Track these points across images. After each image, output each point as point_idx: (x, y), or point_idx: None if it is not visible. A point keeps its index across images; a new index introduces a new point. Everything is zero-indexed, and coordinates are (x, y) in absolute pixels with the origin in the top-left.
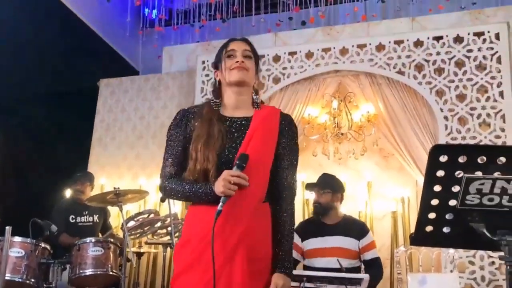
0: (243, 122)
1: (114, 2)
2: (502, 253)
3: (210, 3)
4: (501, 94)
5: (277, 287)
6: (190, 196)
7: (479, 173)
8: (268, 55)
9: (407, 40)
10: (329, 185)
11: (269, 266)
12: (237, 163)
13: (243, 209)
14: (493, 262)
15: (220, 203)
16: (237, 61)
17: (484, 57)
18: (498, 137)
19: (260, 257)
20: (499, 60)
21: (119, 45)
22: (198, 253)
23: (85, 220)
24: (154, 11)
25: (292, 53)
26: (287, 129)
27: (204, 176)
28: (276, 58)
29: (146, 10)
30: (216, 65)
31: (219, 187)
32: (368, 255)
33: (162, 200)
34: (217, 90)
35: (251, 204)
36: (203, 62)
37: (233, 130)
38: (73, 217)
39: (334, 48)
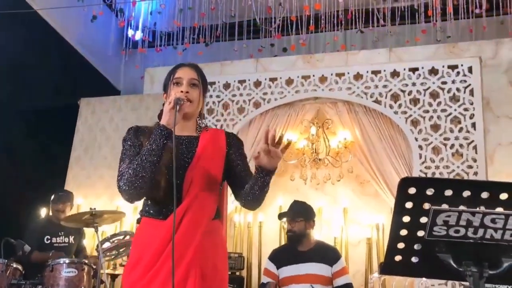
0: (192, 140)
1: (97, 22)
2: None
3: (193, 27)
4: (473, 125)
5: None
6: (144, 161)
7: (445, 206)
8: (249, 80)
9: (384, 71)
10: (301, 214)
11: (221, 284)
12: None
13: (194, 227)
14: None
15: (177, 107)
16: (182, 91)
17: (457, 89)
18: (470, 167)
19: (212, 275)
20: (471, 93)
21: (101, 65)
22: (154, 270)
23: (61, 241)
24: (138, 33)
25: (272, 79)
26: (234, 143)
27: (156, 186)
28: (257, 83)
29: (130, 31)
30: (165, 88)
31: (165, 116)
32: (340, 281)
33: (139, 221)
34: None
35: (202, 222)
36: None
37: (183, 147)
38: (49, 237)
39: (313, 75)
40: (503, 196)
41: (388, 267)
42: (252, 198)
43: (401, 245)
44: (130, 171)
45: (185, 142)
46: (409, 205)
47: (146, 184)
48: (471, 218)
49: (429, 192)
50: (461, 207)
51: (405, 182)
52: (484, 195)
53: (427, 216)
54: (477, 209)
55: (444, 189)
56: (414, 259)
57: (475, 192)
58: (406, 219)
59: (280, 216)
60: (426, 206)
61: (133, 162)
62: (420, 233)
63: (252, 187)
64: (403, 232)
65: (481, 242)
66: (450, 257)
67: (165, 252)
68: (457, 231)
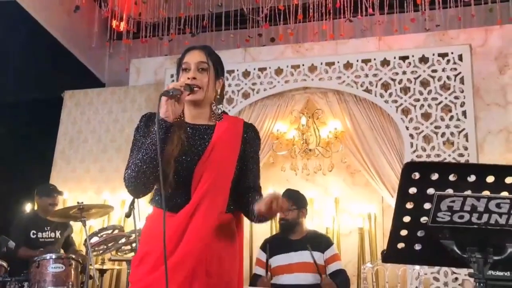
0: (207, 130)
1: (81, 13)
2: (469, 270)
3: (179, 17)
4: (464, 113)
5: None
6: (145, 155)
7: (450, 191)
8: (237, 70)
9: (374, 59)
10: (294, 202)
11: (232, 280)
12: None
13: (205, 221)
14: (456, 278)
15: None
16: (189, 78)
17: (448, 77)
18: (461, 155)
19: (219, 271)
20: (462, 81)
21: (85, 57)
22: (160, 267)
23: (47, 236)
24: (122, 23)
25: (261, 69)
26: (252, 140)
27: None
28: (246, 74)
29: (114, 22)
30: (177, 75)
31: (161, 108)
32: (333, 267)
33: (127, 215)
34: None
35: (213, 215)
36: (172, 76)
37: (196, 137)
38: (34, 232)
39: (303, 65)
40: (509, 180)
41: (390, 255)
42: (253, 221)
43: (404, 232)
44: (132, 165)
45: (198, 132)
46: (412, 190)
47: (150, 179)
48: (475, 203)
49: (434, 177)
50: (466, 192)
51: (409, 167)
52: (490, 179)
53: (431, 202)
54: (482, 193)
55: (449, 174)
56: (417, 246)
57: (480, 176)
58: (410, 205)
59: None
60: (430, 191)
61: (137, 155)
62: (424, 220)
63: (250, 217)
64: (406, 218)
65: (485, 227)
66: (453, 244)
67: (171, 245)
68: (461, 217)
